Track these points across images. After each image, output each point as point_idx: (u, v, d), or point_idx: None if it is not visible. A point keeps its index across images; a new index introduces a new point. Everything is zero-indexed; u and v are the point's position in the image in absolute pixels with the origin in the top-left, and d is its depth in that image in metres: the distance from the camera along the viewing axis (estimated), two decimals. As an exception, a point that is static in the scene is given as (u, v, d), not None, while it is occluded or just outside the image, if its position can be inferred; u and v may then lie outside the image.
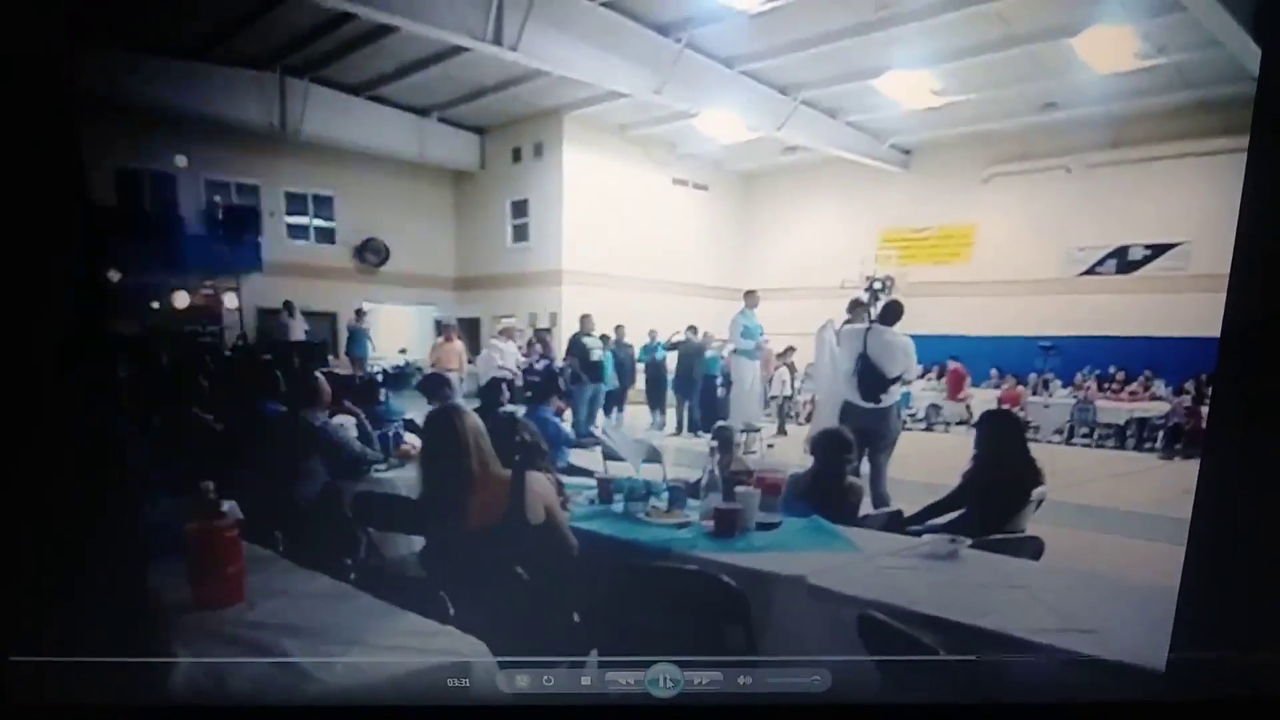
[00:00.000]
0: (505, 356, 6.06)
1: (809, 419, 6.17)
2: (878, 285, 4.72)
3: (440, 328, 6.38)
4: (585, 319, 5.95)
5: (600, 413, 5.81)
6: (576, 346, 5.84)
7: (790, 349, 6.54)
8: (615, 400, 6.02)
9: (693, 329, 6.21)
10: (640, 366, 6.35)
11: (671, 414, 6.33)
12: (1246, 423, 1.55)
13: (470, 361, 6.36)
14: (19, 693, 1.68)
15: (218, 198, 4.95)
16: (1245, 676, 1.63)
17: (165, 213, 4.22)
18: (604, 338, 5.97)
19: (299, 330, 5.48)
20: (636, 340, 6.36)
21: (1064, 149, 6.30)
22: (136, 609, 1.69)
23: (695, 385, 6.16)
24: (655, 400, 6.34)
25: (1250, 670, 1.62)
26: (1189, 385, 5.90)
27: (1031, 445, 3.04)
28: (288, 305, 5.45)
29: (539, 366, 6.02)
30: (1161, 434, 5.96)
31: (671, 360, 6.22)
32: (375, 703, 1.64)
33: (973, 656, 1.74)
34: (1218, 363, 1.53)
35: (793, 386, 6.62)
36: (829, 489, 2.91)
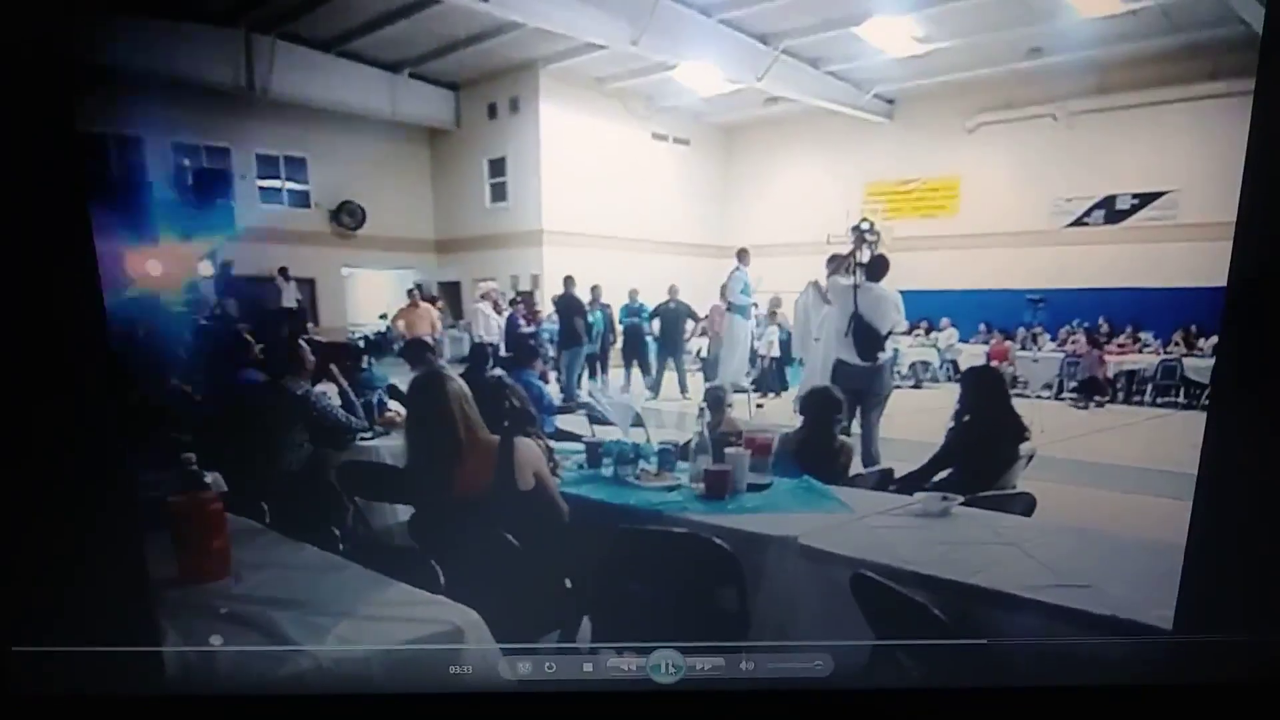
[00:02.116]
0: (487, 322, 6.04)
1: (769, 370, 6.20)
2: (865, 227, 4.68)
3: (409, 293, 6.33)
4: (569, 279, 5.91)
5: (585, 376, 5.82)
6: (574, 305, 5.81)
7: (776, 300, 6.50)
8: (596, 362, 6.01)
9: (673, 289, 6.17)
10: (620, 328, 6.31)
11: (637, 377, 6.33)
12: (1255, 381, 1.53)
13: (453, 326, 6.33)
14: (21, 683, 1.67)
15: (186, 161, 4.81)
16: (1257, 656, 1.63)
17: (132, 178, 4.10)
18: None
19: (291, 297, 5.44)
20: (613, 299, 6.30)
21: (1049, 96, 6.23)
22: (137, 597, 1.67)
23: (680, 348, 6.15)
24: (631, 360, 6.33)
25: (1263, 650, 1.63)
26: (1178, 336, 5.96)
27: (1020, 401, 3.05)
28: (283, 271, 5.41)
29: (525, 329, 5.99)
30: (1077, 384, 6.09)
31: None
32: (376, 690, 1.63)
33: (983, 640, 1.75)
34: (1224, 316, 1.51)
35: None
36: (820, 449, 2.92)
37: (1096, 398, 6.02)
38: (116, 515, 1.61)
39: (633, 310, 6.26)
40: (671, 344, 6.14)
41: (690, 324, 6.12)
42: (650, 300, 6.27)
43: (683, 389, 6.13)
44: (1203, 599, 1.61)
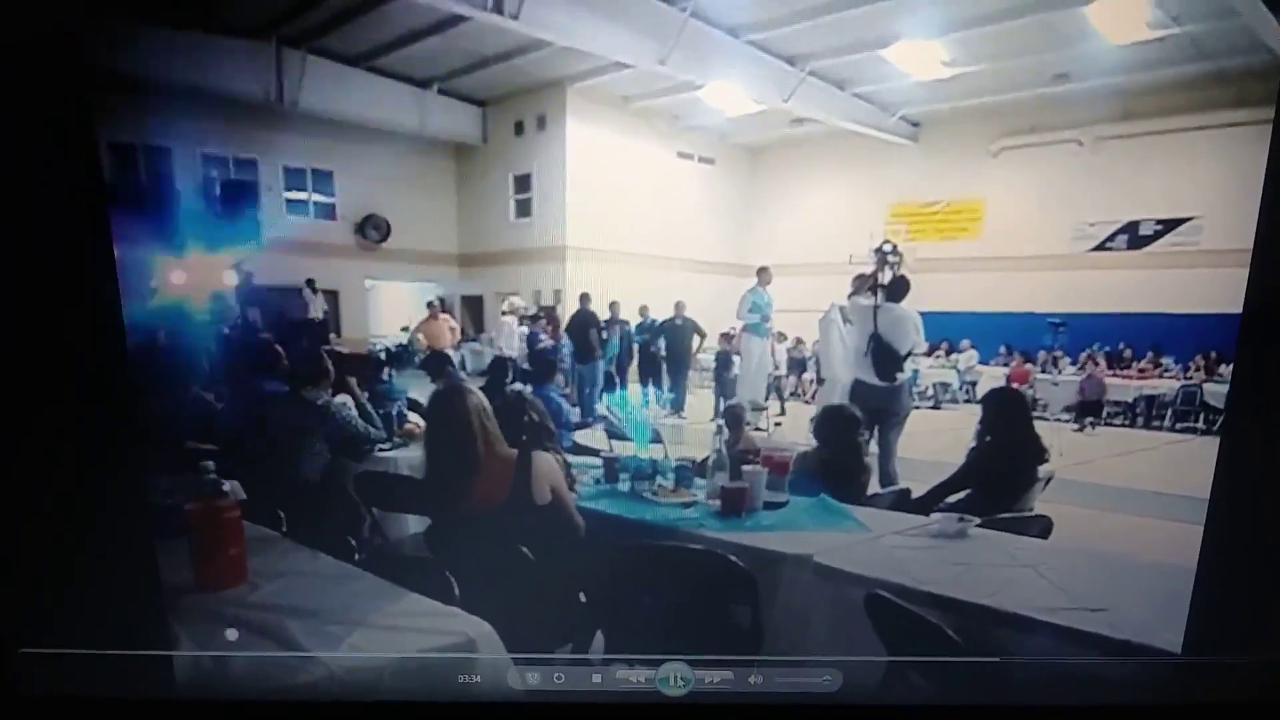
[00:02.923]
0: (510, 336, 6.08)
1: (813, 398, 6.18)
2: (887, 248, 4.68)
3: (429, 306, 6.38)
4: (585, 296, 5.95)
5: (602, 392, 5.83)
6: (588, 320, 5.84)
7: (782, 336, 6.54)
8: (615, 378, 6.02)
9: (679, 305, 6.19)
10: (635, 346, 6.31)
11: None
12: (1270, 405, 1.52)
13: (473, 339, 6.37)
14: (29, 685, 1.68)
15: (214, 173, 4.89)
16: (1266, 677, 1.61)
17: (161, 188, 4.17)
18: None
19: (319, 308, 5.50)
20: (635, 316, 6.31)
21: (1075, 122, 6.20)
22: (146, 601, 1.69)
23: (685, 365, 6.14)
24: (648, 378, 6.31)
25: (1271, 670, 1.61)
26: (1198, 361, 5.91)
27: (1040, 424, 3.04)
28: (310, 283, 5.47)
29: (545, 345, 6.01)
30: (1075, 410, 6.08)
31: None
32: (386, 697, 1.64)
33: (995, 658, 1.74)
34: (1238, 343, 1.50)
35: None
36: (840, 468, 2.91)
37: (1090, 419, 6.02)
38: (128, 519, 1.63)
39: (645, 327, 6.26)
40: (678, 361, 6.13)
41: (697, 340, 6.11)
42: (661, 317, 6.27)
43: (679, 407, 6.12)
44: (1212, 620, 1.59)
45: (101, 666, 1.66)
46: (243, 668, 1.63)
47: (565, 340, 6.05)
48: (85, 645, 1.65)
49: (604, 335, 5.85)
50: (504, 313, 6.40)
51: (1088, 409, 6.04)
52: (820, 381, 5.79)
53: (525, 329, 6.21)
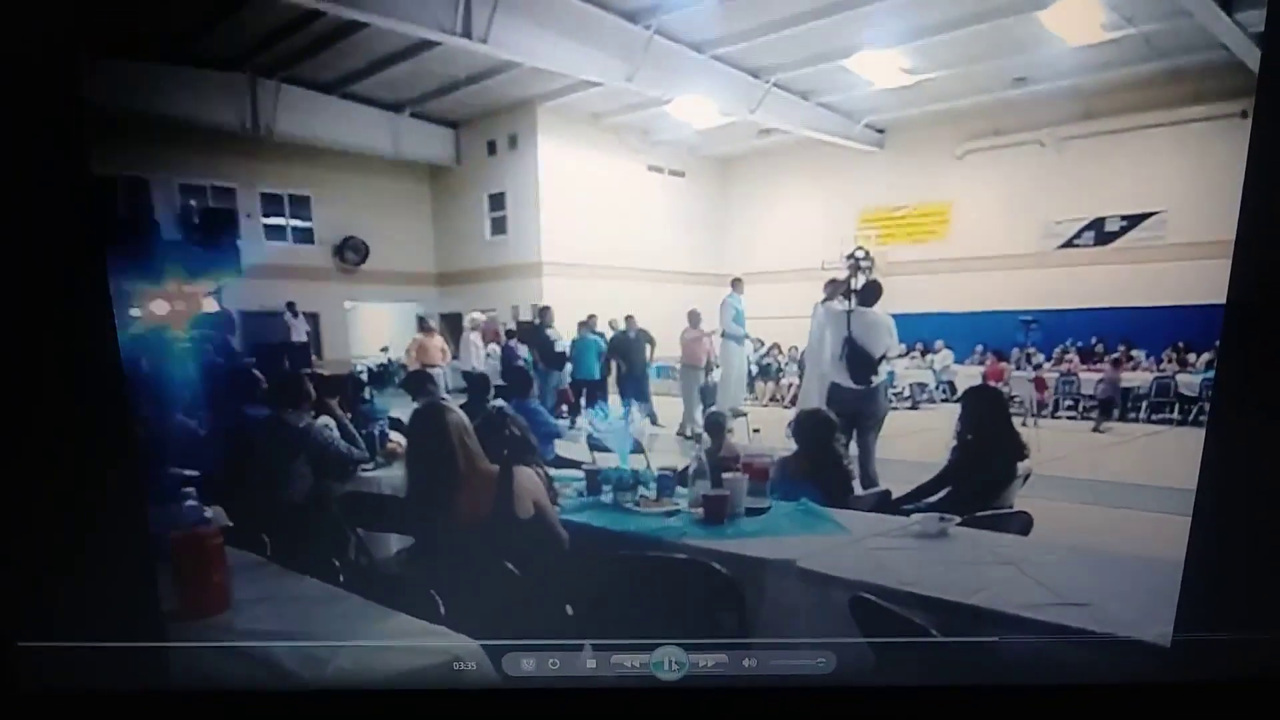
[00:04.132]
0: (477, 352, 6.09)
1: (793, 401, 6.21)
2: (860, 254, 4.73)
3: (421, 323, 6.39)
4: (545, 311, 6.02)
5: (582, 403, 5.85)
6: (540, 337, 5.88)
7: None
8: (598, 391, 6.03)
9: (630, 319, 6.24)
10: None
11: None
12: (1253, 396, 1.56)
13: (455, 356, 6.37)
14: (27, 679, 1.69)
15: (193, 201, 4.89)
16: (1253, 656, 1.64)
17: (140, 218, 4.16)
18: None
19: (301, 331, 5.51)
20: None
21: (1036, 123, 6.30)
22: (141, 594, 1.70)
23: (638, 378, 6.18)
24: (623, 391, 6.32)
25: (1258, 650, 1.64)
26: (1168, 353, 6.00)
27: (1015, 420, 3.07)
28: (290, 306, 5.47)
29: (521, 362, 6.02)
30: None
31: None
32: (381, 685, 1.65)
33: (994, 638, 1.76)
34: (1222, 333, 1.54)
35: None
36: (821, 471, 2.93)
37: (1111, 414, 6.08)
38: (122, 516, 1.63)
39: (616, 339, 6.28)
40: (636, 374, 6.14)
41: (649, 350, 6.13)
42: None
43: (653, 419, 6.12)
44: (1203, 597, 1.62)
45: (98, 659, 1.66)
46: (239, 666, 1.64)
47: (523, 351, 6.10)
48: (82, 639, 1.66)
49: (566, 353, 5.91)
50: (468, 328, 6.43)
51: (1104, 408, 6.06)
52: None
53: (494, 344, 6.23)
